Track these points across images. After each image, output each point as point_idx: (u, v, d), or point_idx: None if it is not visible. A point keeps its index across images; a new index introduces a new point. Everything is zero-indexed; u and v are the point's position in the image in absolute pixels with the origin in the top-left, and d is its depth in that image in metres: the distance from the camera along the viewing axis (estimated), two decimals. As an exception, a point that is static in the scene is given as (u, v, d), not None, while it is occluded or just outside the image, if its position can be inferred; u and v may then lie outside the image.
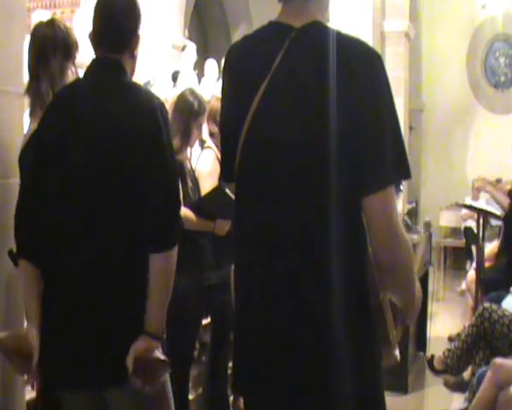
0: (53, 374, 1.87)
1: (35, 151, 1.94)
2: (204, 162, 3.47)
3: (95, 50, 1.94)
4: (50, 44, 2.24)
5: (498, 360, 3.30)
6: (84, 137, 1.83)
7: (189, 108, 3.27)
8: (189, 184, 3.26)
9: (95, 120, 1.83)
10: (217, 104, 3.43)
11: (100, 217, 1.81)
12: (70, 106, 1.90)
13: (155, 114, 1.81)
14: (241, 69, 1.55)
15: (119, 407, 1.88)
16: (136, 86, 1.93)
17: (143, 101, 1.85)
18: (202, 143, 4.16)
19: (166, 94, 4.86)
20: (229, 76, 1.60)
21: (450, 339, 5.46)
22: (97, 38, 1.92)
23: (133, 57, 1.95)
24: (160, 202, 1.80)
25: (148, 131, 1.80)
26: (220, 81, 1.67)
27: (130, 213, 1.80)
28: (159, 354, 1.81)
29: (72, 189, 1.84)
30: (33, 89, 2.25)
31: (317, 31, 1.47)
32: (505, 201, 5.37)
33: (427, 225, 5.54)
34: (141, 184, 1.78)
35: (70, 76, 2.29)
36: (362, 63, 1.42)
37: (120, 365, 1.77)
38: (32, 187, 1.91)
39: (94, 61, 1.93)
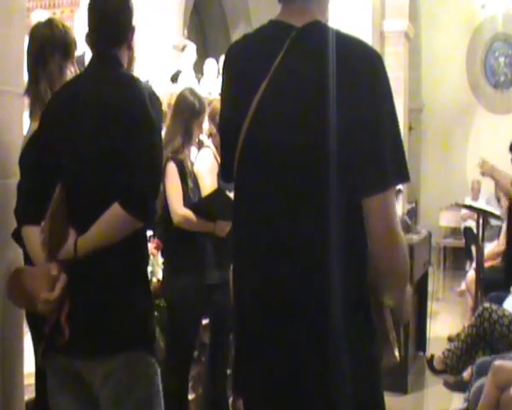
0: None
1: (33, 143, 2.03)
2: (203, 161, 3.47)
3: (91, 49, 2.01)
4: (49, 44, 2.24)
5: (498, 362, 3.29)
6: (73, 124, 1.91)
7: (190, 108, 3.27)
8: (190, 184, 3.26)
9: (83, 105, 1.91)
10: (218, 105, 3.43)
11: (84, 188, 1.89)
12: (64, 97, 1.98)
13: (143, 97, 1.88)
14: (241, 69, 1.54)
15: (101, 386, 1.87)
16: (127, 75, 2.00)
17: (132, 85, 1.92)
18: (199, 143, 4.16)
19: (166, 91, 4.87)
20: (229, 75, 1.59)
21: (450, 339, 5.46)
22: (94, 35, 1.99)
23: (130, 48, 2.04)
24: (141, 180, 1.84)
25: (134, 111, 1.86)
26: (219, 80, 1.68)
27: (115, 187, 1.85)
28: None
29: (61, 168, 1.90)
30: (32, 89, 2.25)
31: (318, 30, 1.46)
32: (510, 188, 5.29)
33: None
34: (125, 163, 1.84)
35: (69, 76, 2.28)
36: (363, 63, 1.41)
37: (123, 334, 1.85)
38: (31, 176, 1.99)
39: (92, 57, 2.01)
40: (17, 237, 2.09)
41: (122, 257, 1.88)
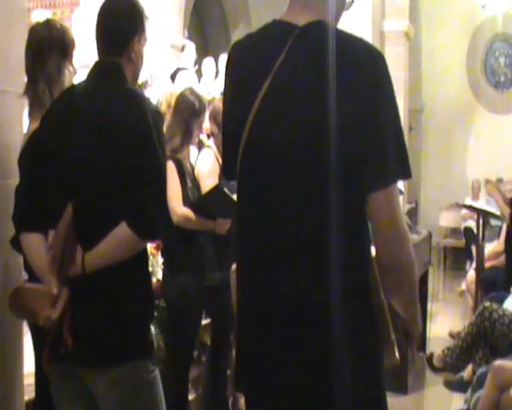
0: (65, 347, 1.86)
1: (32, 150, 1.99)
2: (204, 162, 3.47)
3: (98, 55, 1.98)
4: (47, 45, 2.24)
5: (497, 363, 3.29)
6: (78, 138, 1.86)
7: (190, 108, 3.28)
8: (189, 184, 3.25)
9: (88, 121, 1.86)
10: (219, 105, 3.44)
11: (89, 204, 1.85)
12: (67, 107, 1.93)
13: (146, 116, 1.84)
14: (244, 67, 1.54)
15: (104, 395, 1.88)
16: (130, 90, 1.94)
17: (136, 104, 1.87)
18: (200, 143, 4.16)
19: (166, 90, 4.86)
20: (232, 74, 1.59)
21: (452, 335, 5.46)
22: (97, 41, 1.96)
23: (130, 61, 1.95)
24: (149, 200, 1.82)
25: (139, 131, 1.82)
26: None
27: (121, 205, 1.82)
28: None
29: (68, 184, 1.87)
30: (31, 90, 2.25)
31: (321, 30, 1.46)
32: (506, 210, 5.37)
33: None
34: (131, 183, 1.81)
35: (67, 76, 2.28)
36: (365, 62, 1.41)
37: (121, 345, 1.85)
38: (31, 182, 1.95)
39: (94, 64, 1.97)
40: (15, 243, 2.07)
41: (124, 270, 1.85)
